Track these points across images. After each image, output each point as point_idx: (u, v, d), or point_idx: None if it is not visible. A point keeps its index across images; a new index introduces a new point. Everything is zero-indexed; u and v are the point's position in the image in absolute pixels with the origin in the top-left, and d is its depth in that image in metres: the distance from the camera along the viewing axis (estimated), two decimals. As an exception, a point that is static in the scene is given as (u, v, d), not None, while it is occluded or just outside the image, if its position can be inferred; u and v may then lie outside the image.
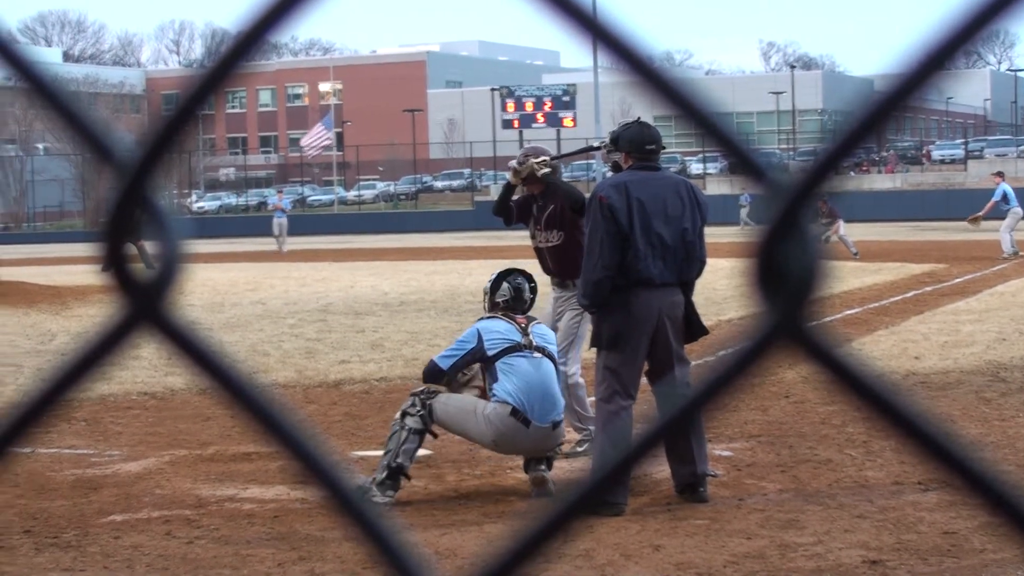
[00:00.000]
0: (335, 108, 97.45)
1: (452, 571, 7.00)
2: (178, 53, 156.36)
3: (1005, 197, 33.81)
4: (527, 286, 9.43)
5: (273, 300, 25.32)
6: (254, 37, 0.96)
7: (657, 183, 8.76)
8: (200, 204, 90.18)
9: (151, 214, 0.99)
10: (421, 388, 9.02)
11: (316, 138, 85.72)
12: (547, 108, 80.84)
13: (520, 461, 9.07)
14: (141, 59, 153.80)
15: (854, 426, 10.62)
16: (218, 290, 27.24)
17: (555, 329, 10.47)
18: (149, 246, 1.01)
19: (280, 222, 49.11)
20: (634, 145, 8.86)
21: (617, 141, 8.96)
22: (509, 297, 9.32)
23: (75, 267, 34.45)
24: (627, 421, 8.56)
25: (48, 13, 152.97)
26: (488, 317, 9.20)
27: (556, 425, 8.81)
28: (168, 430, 11.71)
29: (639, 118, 9.22)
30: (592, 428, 9.77)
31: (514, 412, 8.67)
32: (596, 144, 10.43)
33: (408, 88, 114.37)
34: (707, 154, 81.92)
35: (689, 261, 8.74)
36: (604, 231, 8.54)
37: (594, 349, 8.84)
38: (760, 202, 0.89)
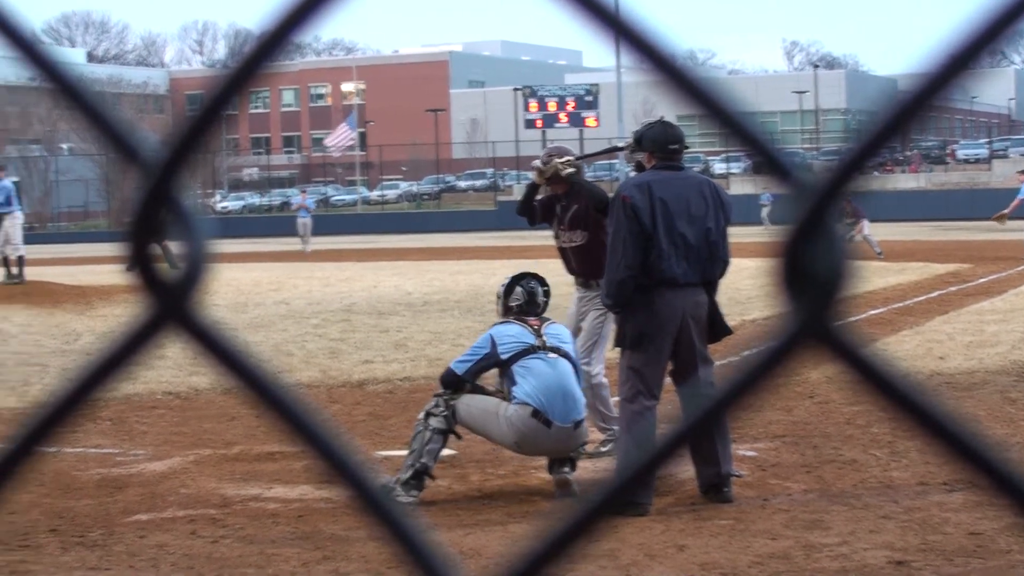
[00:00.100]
0: (358, 108, 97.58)
1: (477, 571, 7.00)
2: (201, 53, 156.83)
3: (1030, 196, 33.65)
4: (540, 289, 9.41)
5: (297, 300, 25.35)
6: (279, 37, 0.96)
7: (680, 183, 8.75)
8: (224, 204, 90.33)
9: (177, 214, 0.99)
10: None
11: (340, 138, 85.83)
12: (570, 108, 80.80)
13: (544, 461, 9.07)
14: (164, 59, 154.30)
15: (879, 426, 10.59)
16: (242, 290, 27.29)
17: (579, 329, 10.47)
18: (174, 246, 1.01)
19: (304, 222, 49.08)
20: (657, 145, 8.85)
21: (640, 140, 8.95)
22: (523, 301, 9.31)
23: (100, 267, 34.55)
24: (651, 421, 8.55)
25: (72, 14, 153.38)
26: (502, 322, 9.20)
27: (578, 424, 8.80)
28: (193, 430, 11.74)
29: (662, 117, 9.21)
30: (616, 428, 9.76)
31: (535, 413, 8.67)
32: (620, 145, 10.43)
33: (431, 88, 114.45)
34: (730, 154, 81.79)
35: (712, 261, 8.73)
36: (627, 231, 8.54)
37: (618, 349, 8.84)
38: (785, 202, 0.89)
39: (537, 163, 10.62)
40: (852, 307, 0.87)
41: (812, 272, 0.87)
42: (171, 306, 1.00)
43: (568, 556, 0.93)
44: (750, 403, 0.90)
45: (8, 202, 27.91)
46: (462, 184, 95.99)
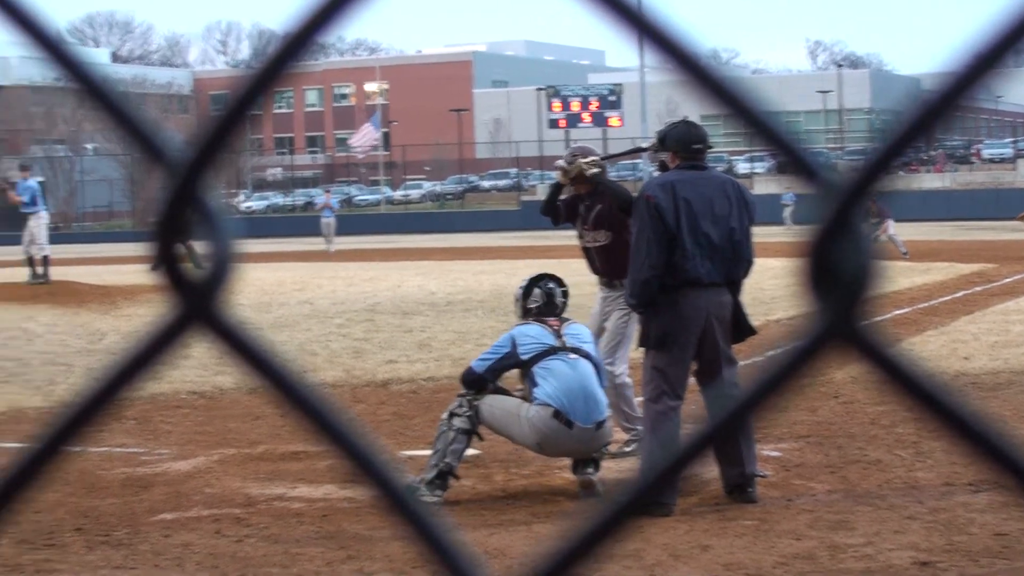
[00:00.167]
0: (381, 108, 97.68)
1: (501, 571, 7.00)
2: (225, 54, 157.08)
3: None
4: (558, 290, 9.41)
5: (320, 300, 25.39)
6: (303, 38, 0.96)
7: (704, 183, 8.74)
8: (248, 204, 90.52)
9: (203, 214, 1.00)
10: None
11: (365, 137, 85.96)
12: (593, 108, 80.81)
13: (568, 461, 9.06)
14: (188, 60, 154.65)
15: (904, 427, 10.56)
16: (266, 290, 27.33)
17: (603, 329, 10.46)
18: (199, 246, 1.01)
19: (328, 221, 49.10)
20: (681, 144, 8.84)
21: (664, 140, 8.94)
22: (541, 303, 9.31)
23: (124, 267, 34.65)
24: (675, 422, 8.54)
25: (96, 14, 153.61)
26: (522, 323, 9.21)
27: (599, 425, 8.78)
28: (217, 429, 11.77)
29: (686, 117, 9.21)
30: (640, 428, 9.75)
31: (556, 414, 8.66)
32: (644, 145, 10.42)
33: (454, 88, 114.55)
34: (754, 153, 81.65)
35: (736, 261, 8.72)
36: (651, 231, 8.53)
37: (642, 349, 8.83)
38: (811, 202, 0.88)
39: (561, 163, 10.60)
40: (878, 307, 0.87)
41: (839, 272, 0.86)
42: (197, 306, 1.00)
43: (594, 556, 0.93)
44: (776, 404, 0.90)
45: (33, 202, 28.02)
46: (485, 184, 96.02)
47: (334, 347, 17.66)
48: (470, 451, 9.09)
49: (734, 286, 8.80)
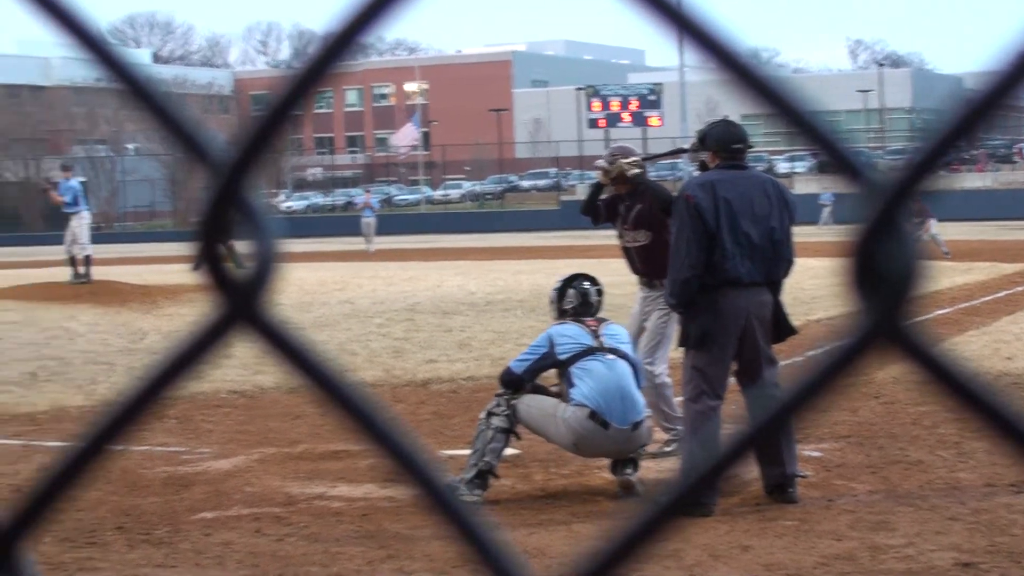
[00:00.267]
0: (421, 108, 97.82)
1: (541, 570, 7.00)
2: (265, 54, 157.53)
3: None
4: (593, 289, 9.40)
5: (361, 299, 25.44)
6: (346, 38, 0.96)
7: (744, 182, 8.72)
8: (288, 204, 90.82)
9: (246, 214, 1.00)
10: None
11: (406, 137, 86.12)
12: (633, 107, 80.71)
13: (607, 461, 9.06)
14: (229, 60, 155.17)
15: (946, 427, 10.51)
16: (306, 289, 27.40)
17: (642, 329, 10.45)
18: (240, 245, 1.01)
19: (368, 221, 49.18)
20: (721, 144, 8.82)
21: (704, 140, 8.93)
22: (577, 303, 9.31)
23: (166, 266, 34.82)
24: (716, 421, 8.53)
25: (137, 15, 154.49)
26: (560, 322, 9.21)
27: (636, 426, 8.77)
28: (258, 428, 11.81)
29: (726, 116, 9.19)
30: (680, 428, 9.74)
31: (592, 415, 8.66)
32: (685, 146, 10.40)
33: (494, 88, 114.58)
34: (794, 153, 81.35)
35: (776, 260, 8.69)
36: (691, 230, 8.51)
37: (681, 349, 8.82)
38: (855, 201, 0.88)
39: (602, 163, 10.60)
40: (921, 307, 0.87)
41: (883, 271, 0.86)
42: (241, 305, 1.00)
43: (635, 557, 0.93)
44: (819, 404, 0.90)
45: (75, 202, 28.17)
46: (525, 184, 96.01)
47: (374, 347, 17.70)
48: (509, 450, 9.10)
49: (774, 286, 8.78)
